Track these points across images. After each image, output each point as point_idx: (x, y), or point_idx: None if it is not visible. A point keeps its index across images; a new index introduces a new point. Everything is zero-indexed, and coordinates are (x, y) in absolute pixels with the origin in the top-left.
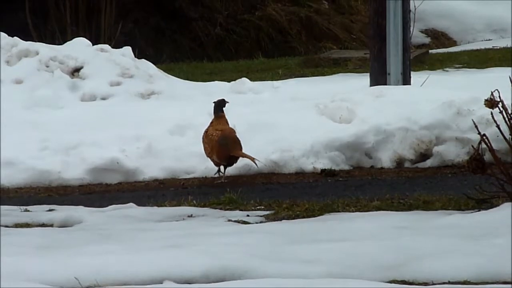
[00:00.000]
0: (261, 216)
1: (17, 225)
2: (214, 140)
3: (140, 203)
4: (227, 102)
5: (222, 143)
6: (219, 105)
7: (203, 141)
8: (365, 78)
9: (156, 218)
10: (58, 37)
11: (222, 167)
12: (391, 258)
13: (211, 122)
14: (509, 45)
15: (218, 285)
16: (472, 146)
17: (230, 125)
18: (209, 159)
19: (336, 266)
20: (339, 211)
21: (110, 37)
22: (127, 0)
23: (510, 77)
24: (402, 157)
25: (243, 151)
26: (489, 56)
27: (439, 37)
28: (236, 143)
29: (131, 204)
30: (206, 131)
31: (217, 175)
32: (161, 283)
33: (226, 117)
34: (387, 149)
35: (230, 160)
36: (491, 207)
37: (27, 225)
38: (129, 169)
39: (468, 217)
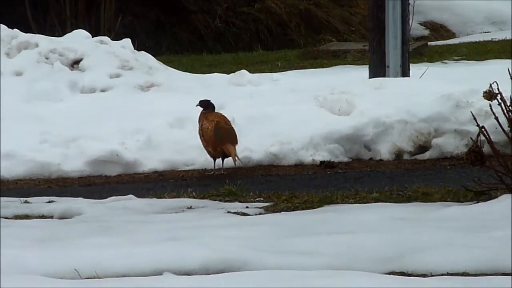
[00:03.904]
0: (260, 208)
1: (17, 217)
2: (209, 133)
3: (139, 195)
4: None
5: (216, 134)
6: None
7: (199, 135)
8: (364, 70)
9: (156, 210)
10: (58, 30)
11: (220, 160)
12: (390, 250)
13: (205, 116)
14: (508, 37)
15: (217, 276)
16: (471, 138)
17: (229, 118)
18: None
19: (335, 258)
20: (338, 203)
21: (110, 29)
22: None
23: (508, 69)
24: (401, 149)
25: (238, 143)
26: (488, 48)
27: (438, 30)
28: (229, 135)
29: (130, 196)
30: (201, 125)
31: (212, 173)
32: (161, 275)
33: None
34: (386, 141)
35: (224, 152)
36: (490, 199)
37: (26, 217)
38: (128, 161)
39: (467, 209)
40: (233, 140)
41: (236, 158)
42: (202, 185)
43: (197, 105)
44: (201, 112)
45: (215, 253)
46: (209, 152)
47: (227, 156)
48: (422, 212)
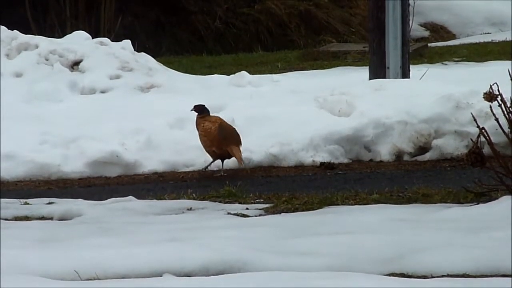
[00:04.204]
0: (260, 209)
1: (17, 218)
2: (212, 133)
3: (139, 196)
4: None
5: (220, 134)
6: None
7: (200, 136)
8: (365, 72)
9: (156, 211)
10: (58, 31)
11: (219, 161)
12: (390, 251)
13: (203, 119)
14: (508, 39)
15: (217, 278)
16: (471, 140)
17: (229, 119)
18: (207, 153)
19: (335, 259)
20: (338, 204)
21: (110, 30)
22: None
23: (509, 71)
24: (401, 150)
25: (242, 144)
26: (488, 49)
27: (438, 31)
28: (232, 136)
29: (130, 197)
30: (202, 126)
31: (203, 169)
32: (161, 276)
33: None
34: (386, 142)
35: (227, 153)
36: (490, 200)
37: (26, 218)
38: (128, 162)
39: (467, 210)
40: (237, 141)
41: (242, 162)
42: (202, 186)
43: (191, 110)
44: (197, 117)
45: (215, 254)
46: (212, 152)
47: (230, 157)
48: (422, 213)
